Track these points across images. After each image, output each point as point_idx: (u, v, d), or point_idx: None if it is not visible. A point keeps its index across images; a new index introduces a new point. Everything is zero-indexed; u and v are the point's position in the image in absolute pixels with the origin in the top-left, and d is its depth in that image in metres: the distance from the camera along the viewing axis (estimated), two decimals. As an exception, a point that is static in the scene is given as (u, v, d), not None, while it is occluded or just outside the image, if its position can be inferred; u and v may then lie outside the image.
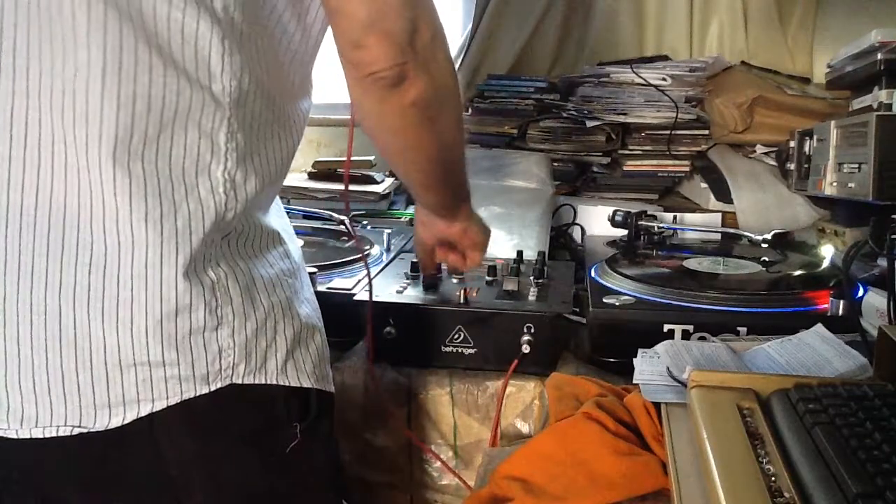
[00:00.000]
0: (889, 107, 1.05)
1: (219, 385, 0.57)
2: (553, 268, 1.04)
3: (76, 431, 0.54)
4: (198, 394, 0.56)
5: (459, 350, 0.86)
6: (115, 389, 0.54)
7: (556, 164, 1.44)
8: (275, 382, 0.60)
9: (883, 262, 0.88)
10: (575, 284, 1.00)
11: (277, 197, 0.69)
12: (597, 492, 0.60)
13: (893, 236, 0.79)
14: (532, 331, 0.83)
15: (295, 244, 0.70)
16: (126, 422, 0.55)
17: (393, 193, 1.56)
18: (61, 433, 0.54)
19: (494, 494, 0.65)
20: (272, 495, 0.62)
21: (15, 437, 0.55)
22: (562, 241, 1.35)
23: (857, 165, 0.96)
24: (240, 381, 0.58)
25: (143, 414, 0.55)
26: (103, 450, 0.56)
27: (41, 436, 0.55)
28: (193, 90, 0.53)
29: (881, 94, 1.08)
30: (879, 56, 1.06)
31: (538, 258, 1.02)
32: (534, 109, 1.51)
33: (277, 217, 0.68)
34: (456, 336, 0.86)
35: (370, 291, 0.86)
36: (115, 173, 0.52)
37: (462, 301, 0.87)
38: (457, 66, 1.64)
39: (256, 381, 0.59)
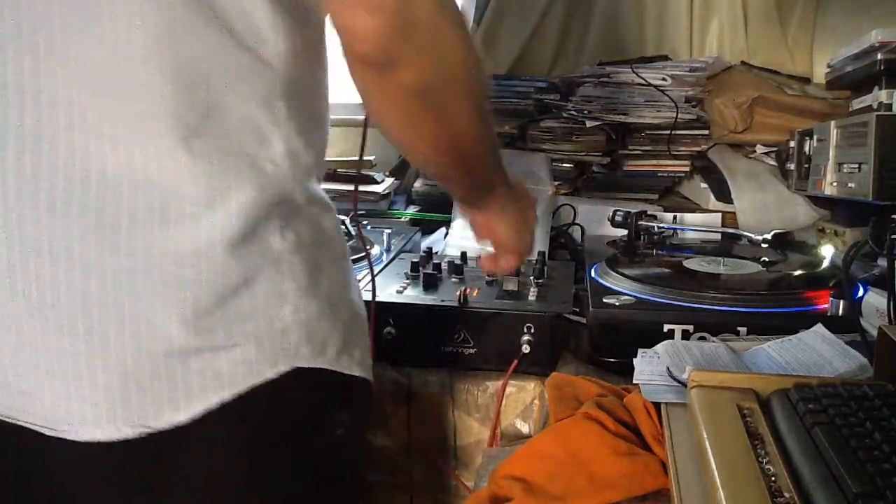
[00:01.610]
0: (889, 107, 1.05)
1: (283, 369, 0.53)
2: (553, 268, 1.05)
3: (139, 431, 0.50)
4: (266, 378, 0.52)
5: (459, 350, 0.86)
6: (176, 381, 0.50)
7: (555, 164, 1.44)
8: (332, 368, 0.56)
9: (883, 262, 0.88)
10: (575, 284, 1.00)
11: None
12: (597, 492, 0.60)
13: (893, 236, 0.79)
14: (532, 331, 0.83)
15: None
16: (195, 415, 0.50)
17: (393, 193, 1.56)
18: (123, 434, 0.50)
19: (494, 494, 0.65)
20: (309, 487, 0.59)
21: (74, 438, 0.50)
22: (562, 241, 1.35)
23: (857, 165, 0.96)
24: (303, 365, 0.54)
25: (212, 405, 0.50)
26: (153, 455, 0.51)
27: (94, 438, 0.49)
28: (243, 54, 0.50)
29: (881, 94, 1.08)
30: (879, 56, 1.06)
31: (538, 258, 1.02)
32: (534, 109, 1.51)
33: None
34: (456, 336, 0.86)
35: (373, 291, 0.86)
36: (172, 151, 0.48)
37: (462, 301, 0.87)
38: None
39: (318, 366, 0.55)
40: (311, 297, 0.54)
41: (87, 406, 0.50)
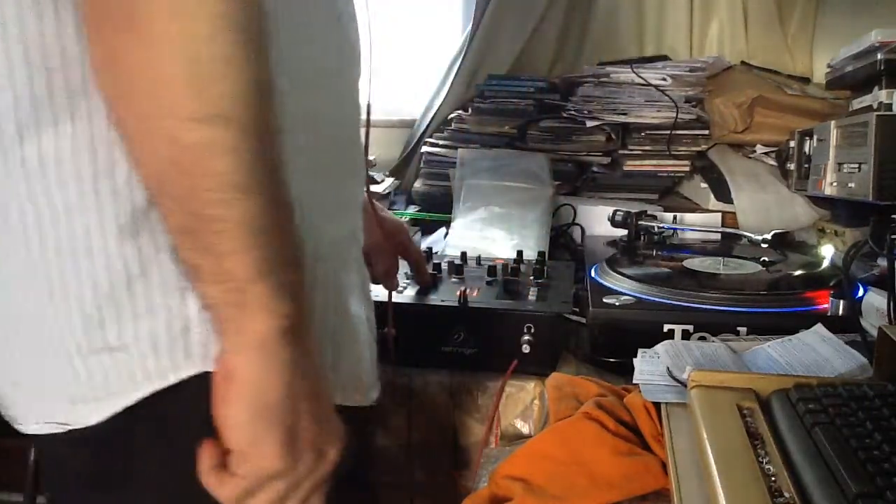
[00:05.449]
0: (889, 107, 1.05)
1: (191, 372, 0.47)
2: (553, 268, 1.04)
3: (63, 429, 0.49)
4: (168, 383, 0.47)
5: (459, 350, 0.86)
6: (83, 381, 0.48)
7: (555, 164, 1.44)
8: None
9: (883, 262, 0.88)
10: (575, 284, 1.00)
11: None
12: (597, 492, 0.60)
13: (893, 236, 0.79)
14: (532, 331, 0.83)
15: None
16: (104, 418, 0.48)
17: (393, 193, 1.57)
18: (51, 430, 0.49)
19: (494, 494, 0.65)
20: None
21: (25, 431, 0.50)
22: (562, 241, 1.35)
23: (857, 165, 0.96)
24: (211, 369, 0.46)
25: (118, 409, 0.47)
26: (91, 450, 0.50)
27: (39, 432, 0.50)
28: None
29: (881, 94, 1.08)
30: (879, 56, 1.06)
31: (538, 258, 1.02)
32: (534, 109, 1.51)
33: None
34: (456, 336, 0.86)
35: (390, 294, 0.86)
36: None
37: (462, 301, 0.86)
38: (456, 66, 1.64)
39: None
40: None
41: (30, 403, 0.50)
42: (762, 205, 1.32)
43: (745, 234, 1.22)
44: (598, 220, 1.35)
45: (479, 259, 1.08)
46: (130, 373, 0.47)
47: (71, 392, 0.48)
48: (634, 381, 0.69)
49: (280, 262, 0.43)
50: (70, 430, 0.49)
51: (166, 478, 0.50)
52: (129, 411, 0.48)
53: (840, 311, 0.82)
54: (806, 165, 1.17)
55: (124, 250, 0.46)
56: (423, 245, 1.25)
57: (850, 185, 0.98)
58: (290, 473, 0.46)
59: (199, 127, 0.39)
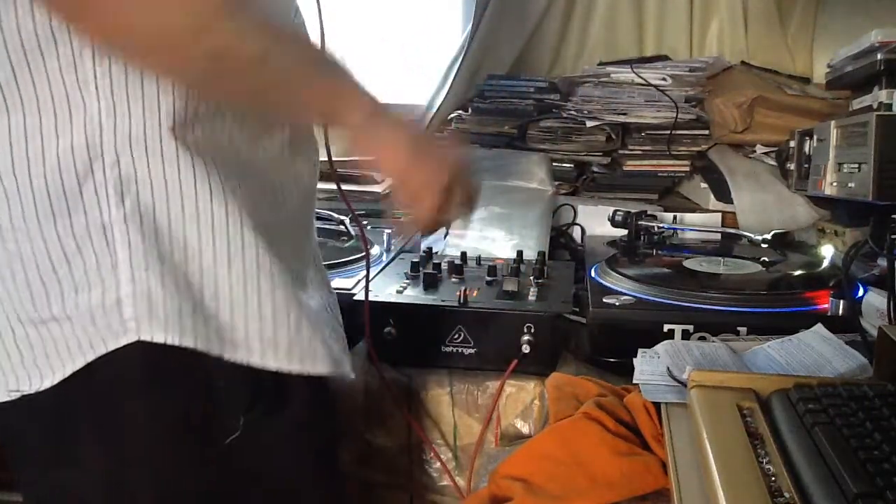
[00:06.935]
0: (889, 107, 1.05)
1: (124, 342, 0.50)
2: (553, 268, 1.04)
3: (14, 396, 0.52)
4: (97, 354, 0.51)
5: (459, 350, 0.86)
6: (33, 348, 0.52)
7: (555, 164, 1.44)
8: (198, 348, 0.51)
9: (883, 262, 0.88)
10: (575, 284, 1.00)
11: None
12: (597, 492, 0.60)
13: (893, 236, 0.79)
14: (532, 331, 0.83)
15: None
16: (53, 383, 0.52)
17: (393, 193, 1.56)
18: (5, 398, 0.53)
19: (494, 494, 0.65)
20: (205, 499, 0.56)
21: None
22: (562, 241, 1.35)
23: (857, 165, 0.96)
24: (148, 339, 0.50)
25: (66, 375, 0.51)
26: (42, 416, 0.53)
27: None
28: None
29: (881, 94, 1.08)
30: (879, 56, 1.06)
31: (538, 258, 1.02)
32: (534, 109, 1.51)
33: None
34: (456, 336, 0.86)
35: (366, 290, 0.86)
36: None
37: (462, 301, 0.86)
38: (456, 66, 1.64)
39: (170, 342, 0.50)
40: (153, 263, 0.51)
41: None
42: (762, 205, 1.32)
43: (745, 234, 1.22)
44: (598, 220, 1.35)
45: (479, 259, 1.08)
46: (73, 342, 0.52)
47: (22, 359, 0.52)
48: (634, 381, 0.69)
49: (346, 79, 0.57)
50: (24, 399, 0.53)
51: (108, 452, 0.54)
52: (73, 381, 0.52)
53: (840, 311, 0.82)
54: (806, 165, 1.17)
55: (60, 230, 0.50)
56: (423, 245, 1.25)
57: (850, 185, 0.98)
58: (421, 174, 0.62)
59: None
